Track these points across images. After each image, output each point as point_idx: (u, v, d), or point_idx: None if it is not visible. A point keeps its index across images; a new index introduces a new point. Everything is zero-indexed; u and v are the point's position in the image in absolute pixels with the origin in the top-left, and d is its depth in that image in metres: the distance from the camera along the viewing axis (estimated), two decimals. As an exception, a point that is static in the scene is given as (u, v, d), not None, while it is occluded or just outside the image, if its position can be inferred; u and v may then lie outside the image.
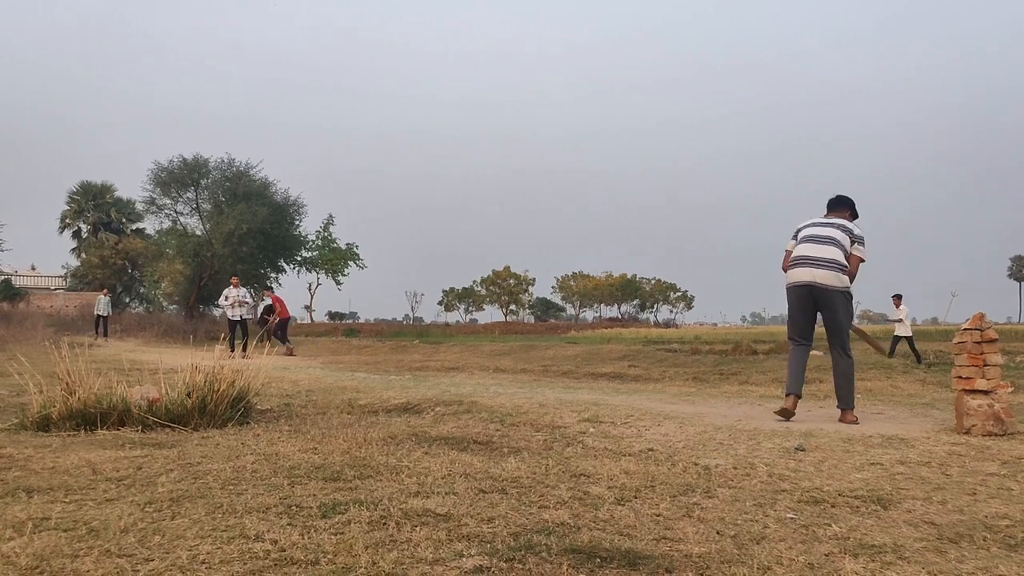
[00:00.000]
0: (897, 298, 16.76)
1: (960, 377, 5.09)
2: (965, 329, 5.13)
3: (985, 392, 4.94)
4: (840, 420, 5.64)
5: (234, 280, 17.94)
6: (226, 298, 17.52)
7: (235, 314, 17.24)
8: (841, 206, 6.22)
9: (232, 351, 15.46)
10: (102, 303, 27.23)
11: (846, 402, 5.74)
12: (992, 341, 5.04)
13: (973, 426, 4.85)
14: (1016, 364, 11.15)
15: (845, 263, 5.84)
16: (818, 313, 5.98)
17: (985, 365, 5.00)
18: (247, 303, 17.80)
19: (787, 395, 5.80)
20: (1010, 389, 5.14)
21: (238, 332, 17.23)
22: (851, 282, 5.87)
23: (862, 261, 5.92)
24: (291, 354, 18.14)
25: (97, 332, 26.00)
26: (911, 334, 16.26)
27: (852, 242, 5.89)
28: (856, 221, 6.14)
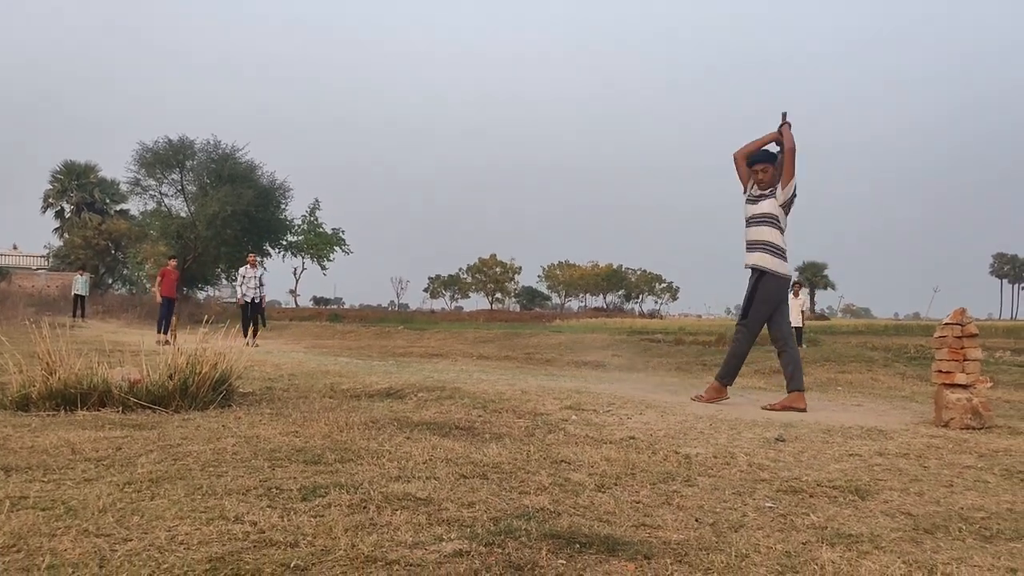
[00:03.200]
0: (796, 285, 18.10)
1: (940, 371, 5.14)
2: (946, 324, 5.17)
3: (964, 386, 4.98)
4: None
5: (251, 259, 16.58)
6: (243, 278, 16.17)
7: (248, 295, 16.06)
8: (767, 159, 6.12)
9: (246, 336, 14.65)
10: (79, 283, 27.10)
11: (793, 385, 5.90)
12: (972, 336, 5.09)
13: (952, 419, 4.89)
14: (996, 360, 11.27)
15: (770, 241, 5.92)
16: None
17: (965, 360, 5.05)
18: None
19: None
20: (989, 384, 5.19)
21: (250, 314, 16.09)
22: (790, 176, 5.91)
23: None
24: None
25: (75, 313, 25.85)
26: (800, 324, 17.28)
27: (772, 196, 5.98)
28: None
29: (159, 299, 17.25)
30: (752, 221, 6.00)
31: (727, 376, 6.13)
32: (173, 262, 17.81)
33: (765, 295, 5.96)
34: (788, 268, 5.99)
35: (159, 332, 16.09)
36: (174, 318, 16.50)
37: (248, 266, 16.35)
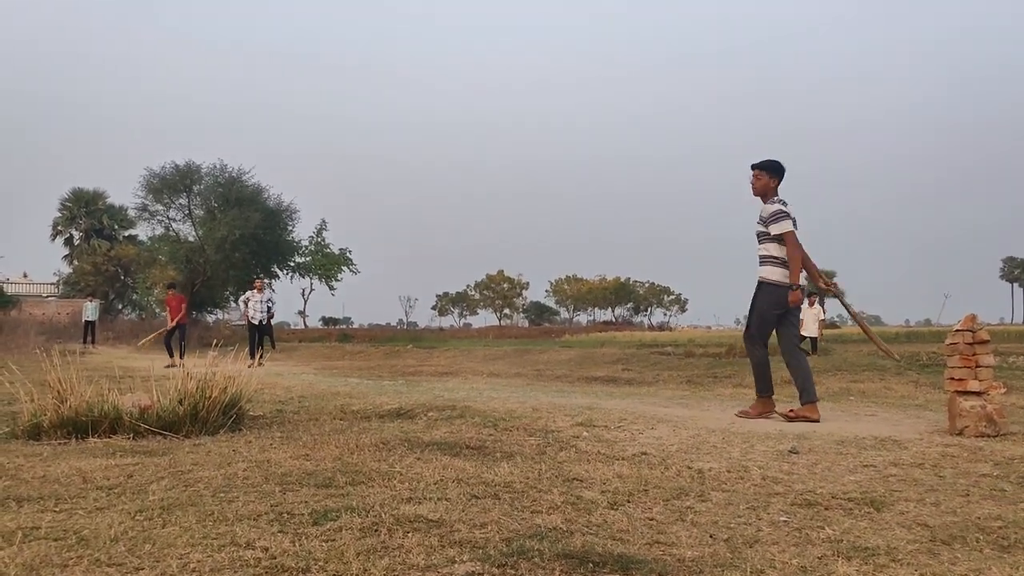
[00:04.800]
0: (812, 295, 18.02)
1: (953, 378, 5.10)
2: (957, 330, 5.14)
3: (978, 393, 4.94)
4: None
5: (257, 284, 17.24)
6: (246, 302, 16.80)
7: (261, 318, 16.60)
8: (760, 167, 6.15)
9: (252, 359, 14.96)
10: (89, 309, 27.32)
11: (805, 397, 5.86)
12: (984, 342, 5.05)
13: (966, 427, 4.85)
14: (1009, 365, 11.18)
15: (775, 255, 5.93)
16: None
17: (977, 366, 5.01)
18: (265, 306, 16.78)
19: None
20: (1003, 390, 5.16)
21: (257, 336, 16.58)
22: (796, 267, 5.86)
23: (789, 235, 5.87)
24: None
25: (86, 339, 26.01)
26: (816, 335, 17.51)
27: (766, 225, 5.97)
28: (776, 186, 6.09)
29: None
30: (759, 238, 6.07)
31: (762, 389, 6.08)
32: (170, 291, 18.33)
33: (760, 304, 6.05)
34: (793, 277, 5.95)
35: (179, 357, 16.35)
36: (183, 342, 16.68)
37: (255, 290, 16.96)
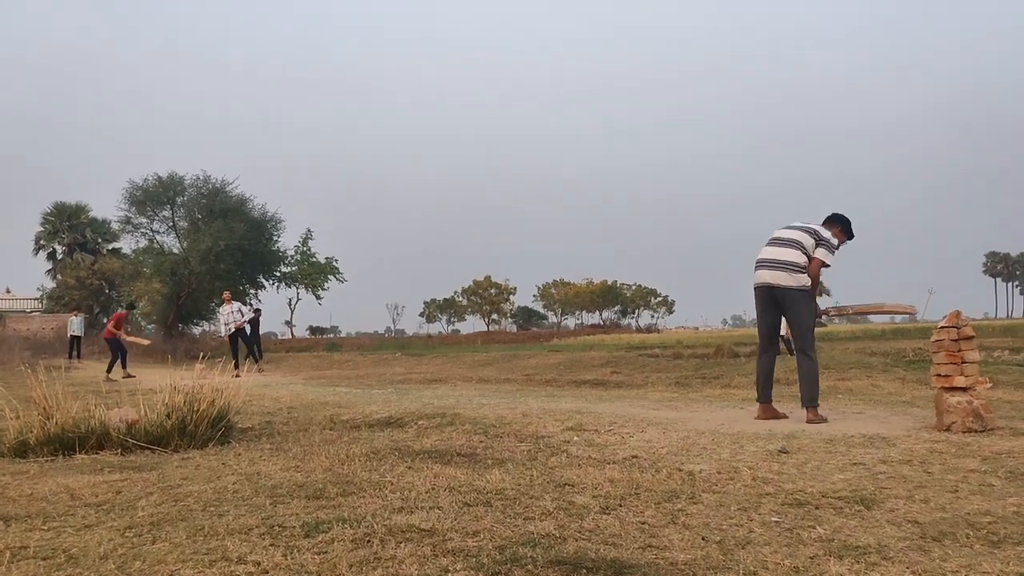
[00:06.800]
0: None
1: (939, 375, 5.13)
2: (942, 327, 5.18)
3: (964, 389, 4.98)
4: (806, 420, 5.71)
5: (225, 296, 17.89)
6: (220, 314, 17.61)
7: (228, 330, 17.27)
8: (831, 222, 6.23)
9: (236, 370, 15.37)
10: (75, 324, 27.14)
11: (807, 401, 5.85)
12: (969, 338, 5.09)
13: (953, 423, 4.88)
14: (994, 360, 11.25)
15: (803, 264, 5.90)
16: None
17: (963, 362, 5.05)
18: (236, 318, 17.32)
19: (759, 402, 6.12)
20: (988, 385, 5.19)
21: (239, 347, 17.37)
22: (812, 284, 5.91)
23: (824, 265, 5.96)
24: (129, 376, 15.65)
25: (71, 354, 25.84)
26: (784, 333, 17.08)
27: (816, 245, 5.95)
28: (830, 234, 6.10)
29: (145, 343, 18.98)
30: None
31: (759, 393, 6.13)
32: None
33: None
34: (756, 276, 6.05)
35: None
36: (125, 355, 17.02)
37: (224, 303, 17.75)
